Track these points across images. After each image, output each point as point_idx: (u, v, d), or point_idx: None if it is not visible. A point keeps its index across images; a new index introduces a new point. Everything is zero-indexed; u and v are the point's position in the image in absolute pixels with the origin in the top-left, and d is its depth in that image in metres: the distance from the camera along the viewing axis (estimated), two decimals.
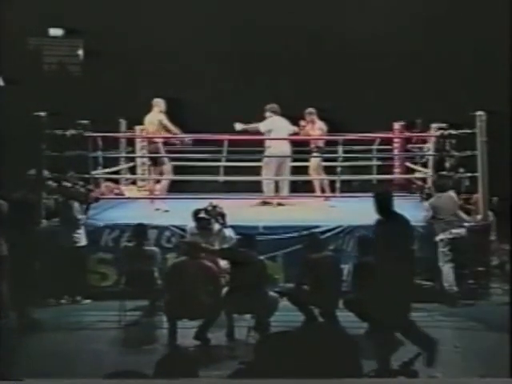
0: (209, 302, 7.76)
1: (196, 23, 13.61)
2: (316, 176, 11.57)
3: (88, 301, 9.30)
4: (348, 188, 11.27)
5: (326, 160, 11.60)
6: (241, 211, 10.29)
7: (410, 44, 13.49)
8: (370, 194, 6.98)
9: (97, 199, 10.41)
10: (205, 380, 4.53)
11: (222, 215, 9.06)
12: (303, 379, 4.34)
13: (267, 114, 11.41)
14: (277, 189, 11.47)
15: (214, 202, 9.26)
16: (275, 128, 11.20)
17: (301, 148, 11.70)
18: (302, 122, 11.49)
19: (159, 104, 11.18)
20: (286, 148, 11.21)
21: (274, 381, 4.34)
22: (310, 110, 11.51)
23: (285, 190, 11.44)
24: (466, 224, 9.54)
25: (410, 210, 10.18)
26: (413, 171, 12.25)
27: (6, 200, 8.57)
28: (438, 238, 9.36)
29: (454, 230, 9.32)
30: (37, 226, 9.21)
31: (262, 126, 11.20)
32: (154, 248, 8.99)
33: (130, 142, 12.78)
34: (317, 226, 9.52)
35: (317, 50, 13.83)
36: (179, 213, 9.92)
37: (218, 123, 11.73)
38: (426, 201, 9.92)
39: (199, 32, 13.59)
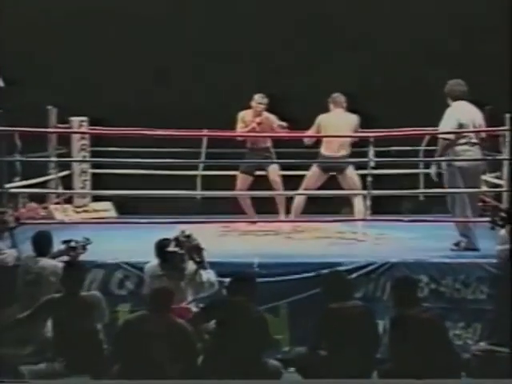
0: (180, 377, 6.37)
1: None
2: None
3: None
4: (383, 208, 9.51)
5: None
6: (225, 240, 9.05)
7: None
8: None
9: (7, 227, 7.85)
10: (205, 381, 5.23)
11: (198, 249, 7.30)
12: (304, 379, 5.86)
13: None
14: None
15: (187, 230, 7.40)
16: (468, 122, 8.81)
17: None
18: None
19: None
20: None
21: (277, 381, 5.68)
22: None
23: None
24: None
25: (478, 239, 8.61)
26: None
27: None
28: None
29: None
30: None
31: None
32: (95, 293, 7.17)
33: (64, 141, 10.63)
34: (338, 264, 7.80)
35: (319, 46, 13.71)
36: None
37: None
38: (501, 228, 7.84)
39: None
